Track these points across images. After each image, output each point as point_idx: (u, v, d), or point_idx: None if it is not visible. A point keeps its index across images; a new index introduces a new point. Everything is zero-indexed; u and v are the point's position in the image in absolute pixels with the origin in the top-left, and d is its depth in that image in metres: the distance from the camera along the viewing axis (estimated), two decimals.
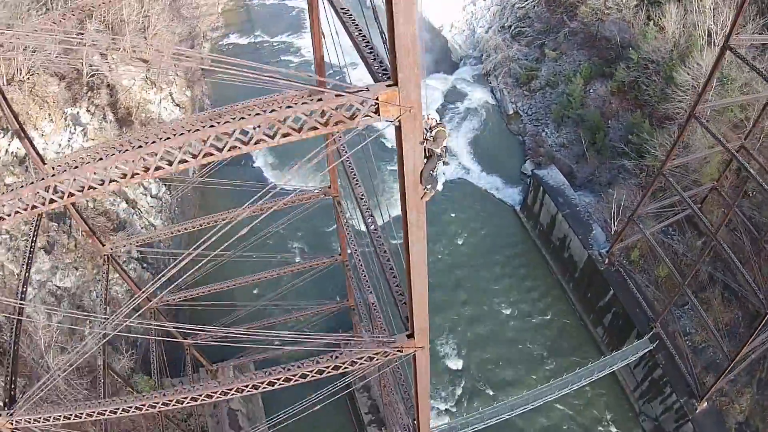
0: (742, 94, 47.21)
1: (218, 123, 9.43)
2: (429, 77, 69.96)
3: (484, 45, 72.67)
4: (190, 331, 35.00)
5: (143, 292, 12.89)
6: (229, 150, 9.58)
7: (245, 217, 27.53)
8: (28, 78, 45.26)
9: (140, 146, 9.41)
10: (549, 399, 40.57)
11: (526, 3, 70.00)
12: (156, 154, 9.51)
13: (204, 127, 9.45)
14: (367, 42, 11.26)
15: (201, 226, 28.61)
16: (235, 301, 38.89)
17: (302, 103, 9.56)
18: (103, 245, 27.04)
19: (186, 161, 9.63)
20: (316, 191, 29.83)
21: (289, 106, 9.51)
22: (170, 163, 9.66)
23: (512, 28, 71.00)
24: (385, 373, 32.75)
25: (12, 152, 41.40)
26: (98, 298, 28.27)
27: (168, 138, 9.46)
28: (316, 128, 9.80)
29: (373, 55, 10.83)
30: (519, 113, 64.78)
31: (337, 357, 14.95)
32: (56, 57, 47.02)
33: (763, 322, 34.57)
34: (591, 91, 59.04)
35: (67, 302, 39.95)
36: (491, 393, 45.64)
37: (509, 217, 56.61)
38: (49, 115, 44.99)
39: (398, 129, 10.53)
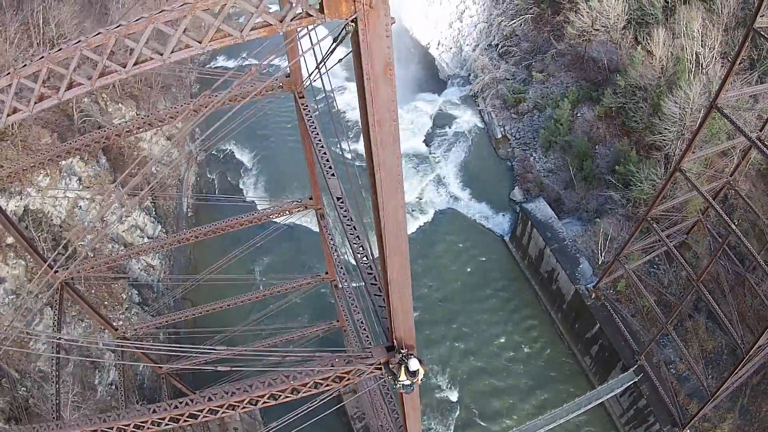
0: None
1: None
2: (417, 99, 72.96)
3: (471, 64, 75.24)
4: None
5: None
6: None
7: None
8: (20, 131, 47.76)
9: None
10: None
11: (513, 21, 72.48)
12: None
13: None
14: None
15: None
16: (220, 326, 41.28)
17: (316, 372, 12.83)
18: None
19: None
20: (295, 203, 29.95)
21: (307, 374, 12.84)
22: None
23: (499, 46, 73.63)
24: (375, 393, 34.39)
25: (11, 210, 44.08)
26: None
27: None
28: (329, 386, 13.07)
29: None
30: (507, 137, 67.42)
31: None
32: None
33: (741, 363, 37.68)
34: (578, 115, 61.70)
35: (75, 353, 42.91)
36: (484, 424, 48.83)
37: (498, 248, 59.55)
38: (45, 168, 47.57)
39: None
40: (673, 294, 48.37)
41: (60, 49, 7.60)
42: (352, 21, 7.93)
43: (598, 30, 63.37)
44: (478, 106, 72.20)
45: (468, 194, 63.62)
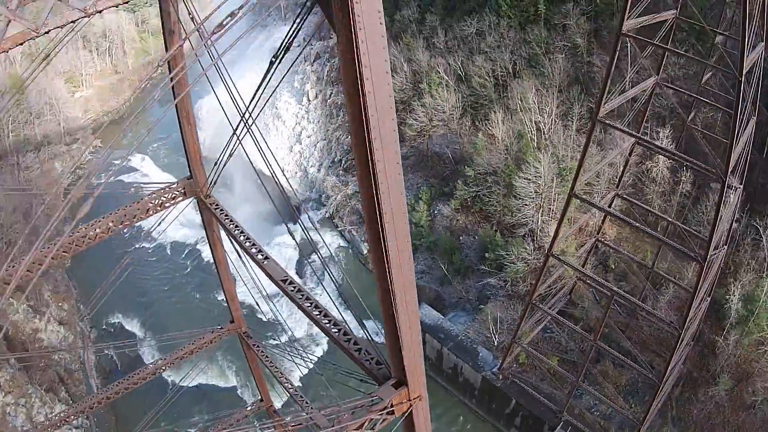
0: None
1: None
2: (277, 234, 73.78)
3: (320, 185, 79.87)
4: None
5: None
6: None
7: None
8: None
9: None
10: None
11: (350, 135, 78.49)
12: None
13: None
14: (352, 340, 14.00)
15: None
16: None
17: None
18: None
19: None
20: (216, 330, 28.89)
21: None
22: None
23: (343, 161, 78.88)
24: None
25: None
26: None
27: None
28: None
29: (368, 356, 13.36)
30: None
31: None
32: None
33: (659, 389, 44.57)
34: (435, 212, 67.43)
35: None
36: None
37: None
38: None
39: (408, 419, 12.71)
40: (573, 350, 54.91)
41: None
42: None
43: (436, 125, 69.85)
44: (338, 227, 76.12)
45: (352, 317, 65.85)
